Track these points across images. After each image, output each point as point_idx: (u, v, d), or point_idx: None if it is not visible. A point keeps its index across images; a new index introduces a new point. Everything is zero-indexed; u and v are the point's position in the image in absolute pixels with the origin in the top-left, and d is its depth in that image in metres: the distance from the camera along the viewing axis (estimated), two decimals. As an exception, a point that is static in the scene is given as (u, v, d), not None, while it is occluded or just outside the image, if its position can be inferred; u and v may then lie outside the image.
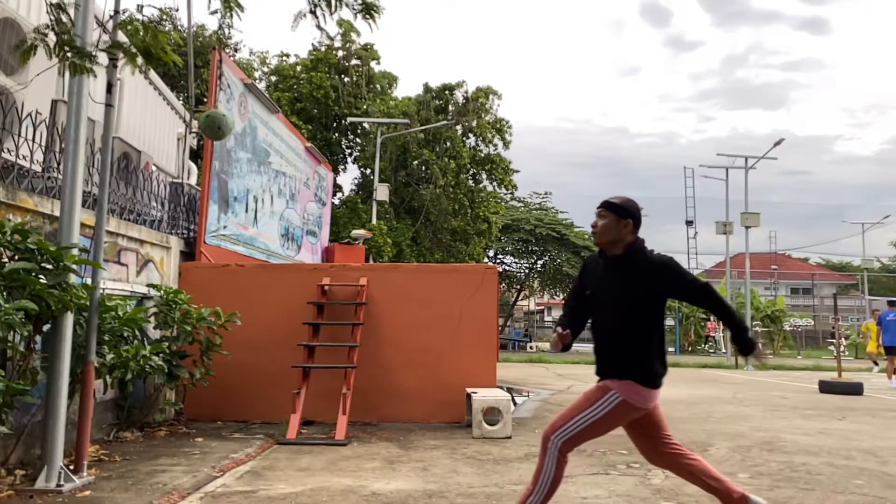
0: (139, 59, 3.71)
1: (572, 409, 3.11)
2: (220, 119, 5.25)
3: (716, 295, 3.18)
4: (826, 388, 11.66)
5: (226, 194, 8.29)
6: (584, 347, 35.09)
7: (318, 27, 3.72)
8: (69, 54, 3.44)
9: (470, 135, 24.09)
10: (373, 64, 23.02)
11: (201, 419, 6.79)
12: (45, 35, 3.46)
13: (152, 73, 10.11)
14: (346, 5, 3.71)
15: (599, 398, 3.07)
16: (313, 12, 3.71)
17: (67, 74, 3.78)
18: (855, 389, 11.37)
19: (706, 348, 31.44)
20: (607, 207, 3.21)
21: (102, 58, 4.18)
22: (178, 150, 10.91)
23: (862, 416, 8.39)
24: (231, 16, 3.73)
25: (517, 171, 25.15)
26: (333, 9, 3.69)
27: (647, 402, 3.09)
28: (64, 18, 3.46)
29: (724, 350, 27.55)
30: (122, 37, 4.13)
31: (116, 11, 4.56)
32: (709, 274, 42.79)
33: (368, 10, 3.70)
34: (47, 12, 3.44)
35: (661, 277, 3.11)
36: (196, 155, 12.51)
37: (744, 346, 3.14)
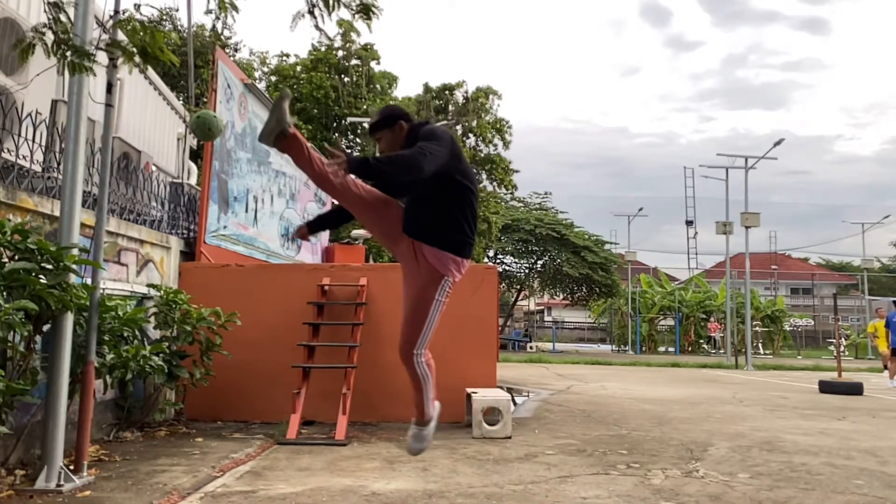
0: (136, 58, 3.70)
1: (419, 318, 3.22)
2: (210, 120, 5.22)
3: (409, 153, 2.94)
4: (826, 388, 11.67)
5: (226, 194, 8.29)
6: (584, 347, 35.16)
7: (317, 27, 3.72)
8: (68, 53, 3.43)
9: (470, 135, 24.08)
10: (373, 64, 23.02)
11: (201, 419, 6.79)
12: (43, 34, 3.46)
13: (152, 73, 10.12)
14: (345, 6, 3.70)
15: (436, 293, 3.22)
16: (311, 12, 3.70)
17: (67, 74, 3.77)
18: (855, 389, 11.37)
19: (707, 348, 31.46)
20: (375, 129, 3.22)
21: (102, 57, 4.18)
22: (178, 150, 10.91)
23: (862, 417, 8.39)
24: (226, 15, 3.72)
25: (517, 171, 25.13)
26: (331, 9, 3.68)
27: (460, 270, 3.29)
28: (63, 18, 3.46)
29: (723, 350, 27.56)
30: (120, 36, 4.12)
31: (116, 11, 4.56)
32: (709, 274, 42.78)
33: (366, 11, 3.70)
34: (44, 11, 3.44)
35: None
36: (196, 155, 12.51)
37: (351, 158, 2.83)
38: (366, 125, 22.57)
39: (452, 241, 3.21)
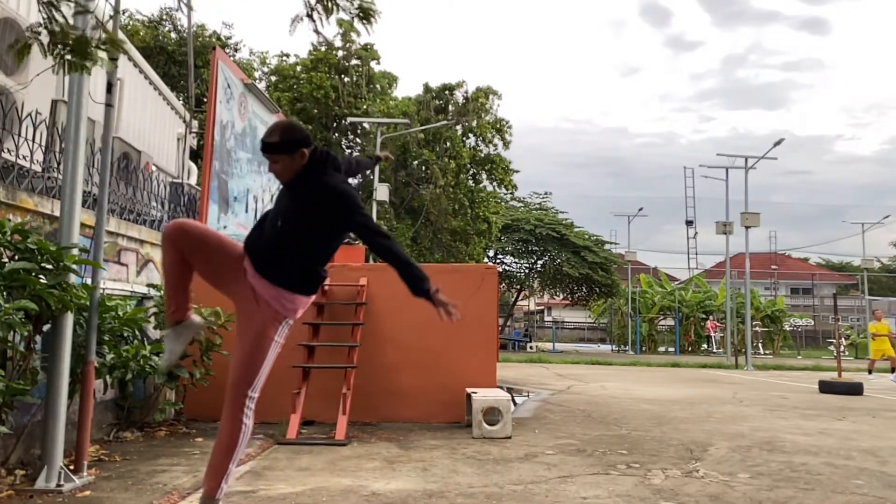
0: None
1: (257, 359, 3.01)
2: None
3: (389, 245, 2.98)
4: (826, 388, 11.67)
5: (226, 194, 8.29)
6: (584, 347, 35.15)
7: (315, 31, 3.71)
8: (65, 53, 3.41)
9: (470, 135, 24.09)
10: (373, 64, 23.02)
11: (201, 419, 6.79)
12: (39, 34, 3.44)
13: (152, 73, 10.12)
14: (343, 10, 3.69)
15: (276, 333, 3.05)
16: (310, 16, 3.69)
17: (66, 74, 3.76)
18: (855, 389, 11.37)
19: (707, 348, 31.47)
20: (275, 151, 2.98)
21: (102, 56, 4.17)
22: (177, 150, 10.92)
23: (862, 417, 8.39)
24: None
25: (517, 171, 25.16)
26: (330, 12, 3.67)
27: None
28: (58, 17, 3.43)
29: (723, 350, 27.56)
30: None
31: (116, 11, 4.57)
32: (709, 274, 42.80)
33: (365, 15, 3.69)
34: (39, 11, 3.42)
35: (329, 204, 2.98)
36: (196, 155, 12.51)
37: (422, 293, 2.93)
38: (366, 125, 22.65)
39: (305, 284, 3.08)
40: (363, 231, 3.02)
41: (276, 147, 2.96)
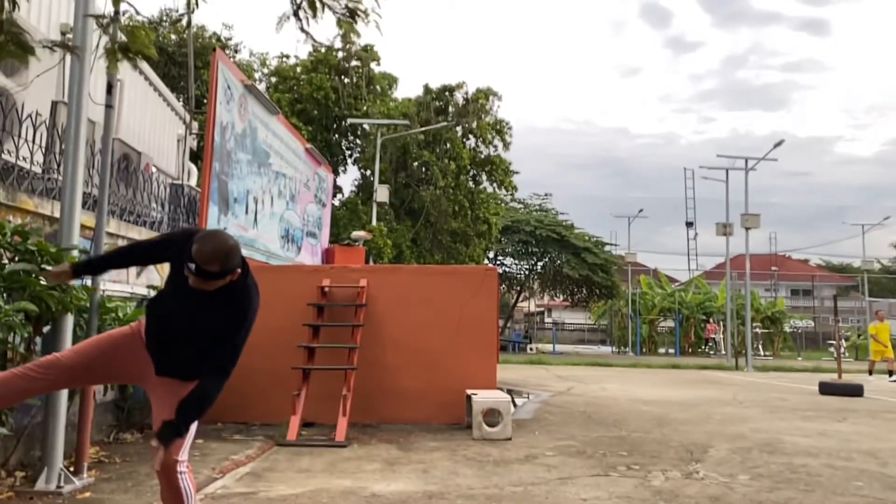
0: (120, 56, 3.65)
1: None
2: None
3: (216, 385, 3.04)
4: (826, 389, 11.66)
5: (226, 196, 8.29)
6: (585, 349, 35.15)
7: (302, 30, 3.68)
8: (7, 43, 3.38)
9: (470, 136, 24.10)
10: (373, 65, 23.01)
11: (201, 421, 6.78)
12: None
13: (152, 75, 10.13)
14: (329, 8, 3.67)
15: None
16: (296, 14, 3.67)
17: (67, 75, 3.77)
18: (855, 391, 11.36)
19: (706, 349, 31.46)
20: (214, 278, 2.83)
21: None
22: (178, 152, 10.93)
23: (862, 418, 8.39)
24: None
25: (517, 173, 25.16)
26: (316, 11, 3.64)
27: None
28: (7, 6, 3.39)
29: (723, 352, 27.55)
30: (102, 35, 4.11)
31: (116, 13, 4.56)
32: (709, 275, 42.77)
33: (353, 15, 3.67)
34: None
35: (235, 320, 3.02)
36: (196, 156, 12.51)
37: (170, 428, 2.93)
38: (366, 127, 22.63)
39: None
40: (225, 348, 3.09)
41: (216, 276, 2.85)
